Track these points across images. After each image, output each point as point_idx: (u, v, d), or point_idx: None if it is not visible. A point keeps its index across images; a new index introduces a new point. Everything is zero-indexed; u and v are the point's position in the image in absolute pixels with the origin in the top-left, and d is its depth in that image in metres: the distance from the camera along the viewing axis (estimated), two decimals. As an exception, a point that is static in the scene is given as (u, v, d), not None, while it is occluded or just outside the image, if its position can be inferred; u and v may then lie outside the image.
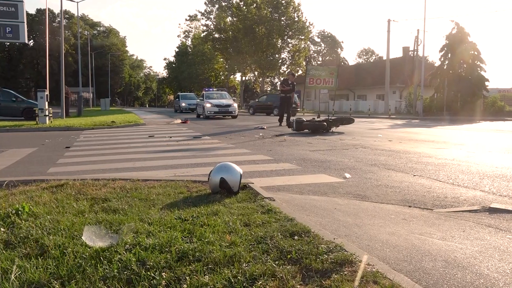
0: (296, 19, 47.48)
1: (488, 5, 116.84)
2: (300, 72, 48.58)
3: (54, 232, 2.93)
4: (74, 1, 31.08)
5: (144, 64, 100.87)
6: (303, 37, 48.91)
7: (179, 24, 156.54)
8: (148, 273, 2.29)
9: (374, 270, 2.34)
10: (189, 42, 71.52)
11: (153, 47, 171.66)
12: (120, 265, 2.39)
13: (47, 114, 16.80)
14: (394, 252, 2.88)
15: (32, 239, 2.80)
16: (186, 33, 71.22)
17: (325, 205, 4.19)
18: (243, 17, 46.07)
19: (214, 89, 29.24)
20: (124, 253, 2.53)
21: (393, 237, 3.22)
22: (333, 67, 28.39)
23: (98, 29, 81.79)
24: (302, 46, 49.99)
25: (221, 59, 58.19)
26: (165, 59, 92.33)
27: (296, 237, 2.83)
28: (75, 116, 24.27)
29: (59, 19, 58.55)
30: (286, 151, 8.41)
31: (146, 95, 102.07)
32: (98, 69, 62.77)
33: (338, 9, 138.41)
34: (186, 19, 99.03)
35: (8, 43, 60.01)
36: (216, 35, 51.78)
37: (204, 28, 55.08)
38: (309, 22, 56.62)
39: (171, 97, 76.24)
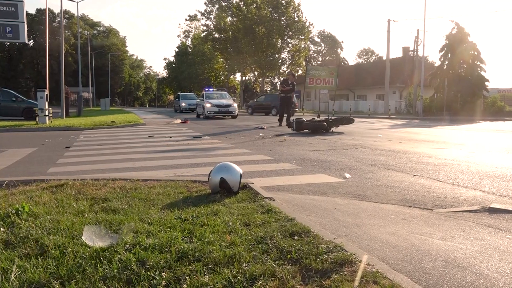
0: (296, 19, 47.50)
1: (488, 5, 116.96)
2: (300, 72, 48.57)
3: (54, 232, 2.93)
4: (74, 1, 31.11)
5: (144, 64, 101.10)
6: (303, 37, 48.93)
7: (179, 24, 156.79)
8: (148, 273, 2.29)
9: (374, 270, 2.34)
10: (189, 42, 71.55)
11: (153, 47, 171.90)
12: (120, 265, 2.39)
13: (47, 114, 16.81)
14: (394, 252, 2.88)
15: (32, 239, 2.80)
16: (186, 33, 71.29)
17: (325, 205, 4.19)
18: (243, 17, 46.08)
19: (214, 89, 29.24)
20: (124, 253, 2.53)
21: (393, 237, 3.22)
22: (333, 67, 28.37)
23: (98, 29, 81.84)
24: (302, 46, 50.01)
25: (221, 59, 58.20)
26: (165, 59, 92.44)
27: (296, 237, 2.83)
28: (75, 116, 24.27)
29: (59, 19, 58.58)
30: (286, 151, 8.41)
31: (146, 95, 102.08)
32: (98, 69, 62.78)
33: (338, 9, 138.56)
34: (186, 19, 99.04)
35: (8, 43, 60.02)
36: (216, 35, 51.81)
37: (204, 28, 55.17)
38: (309, 22, 56.71)
39: (171, 97, 76.25)
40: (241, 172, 4.26)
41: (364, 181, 5.52)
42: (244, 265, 2.39)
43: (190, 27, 70.11)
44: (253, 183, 4.63)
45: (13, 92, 22.58)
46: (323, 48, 76.80)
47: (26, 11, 17.15)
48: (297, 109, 29.13)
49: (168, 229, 2.99)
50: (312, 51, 72.24)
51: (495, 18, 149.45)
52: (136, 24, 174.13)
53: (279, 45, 48.26)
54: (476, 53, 27.93)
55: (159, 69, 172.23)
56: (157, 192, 4.18)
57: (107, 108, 41.99)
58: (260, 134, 12.59)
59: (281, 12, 46.77)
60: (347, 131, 13.28)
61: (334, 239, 2.80)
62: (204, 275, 2.26)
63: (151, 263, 2.39)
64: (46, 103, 16.95)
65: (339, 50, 76.69)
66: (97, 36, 75.83)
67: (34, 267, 2.36)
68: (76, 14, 40.87)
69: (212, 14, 52.01)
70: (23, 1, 15.05)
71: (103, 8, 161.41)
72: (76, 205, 3.69)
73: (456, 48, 27.85)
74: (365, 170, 6.27)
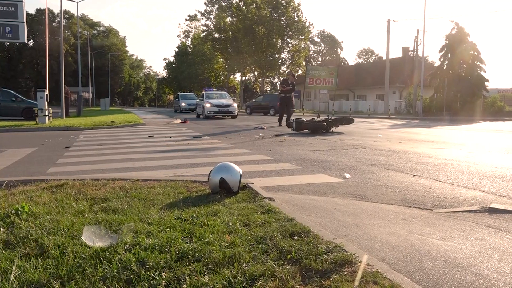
0: (296, 19, 47.50)
1: (488, 5, 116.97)
2: (300, 72, 48.58)
3: (53, 232, 2.93)
4: (74, 1, 31.14)
5: (144, 64, 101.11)
6: (303, 37, 48.93)
7: (179, 24, 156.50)
8: (148, 273, 2.29)
9: (373, 270, 2.34)
10: (189, 42, 71.52)
11: (153, 47, 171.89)
12: (119, 265, 2.39)
13: (46, 114, 16.80)
14: (394, 252, 2.87)
15: (31, 239, 2.80)
16: (186, 33, 71.25)
17: (325, 205, 4.19)
18: (243, 17, 46.09)
19: (214, 89, 29.24)
20: (123, 253, 2.53)
21: (392, 237, 3.22)
22: (333, 67, 28.40)
23: (98, 29, 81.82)
24: (302, 46, 50.01)
25: (221, 59, 58.20)
26: (165, 59, 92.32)
27: (296, 237, 2.83)
28: (75, 116, 24.27)
29: (59, 19, 58.54)
30: (286, 151, 8.41)
31: (146, 95, 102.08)
32: (97, 69, 62.78)
33: (338, 9, 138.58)
34: (186, 19, 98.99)
35: (8, 43, 59.98)
36: (216, 35, 51.82)
37: (204, 28, 55.16)
38: (309, 22, 56.71)
39: (171, 97, 76.23)
40: (241, 172, 4.26)
41: (364, 181, 5.52)
42: (244, 265, 2.39)
43: (190, 27, 70.20)
44: (253, 183, 4.63)
45: (13, 92, 22.57)
46: (323, 48, 76.88)
47: (26, 11, 17.14)
48: (294, 108, 29.11)
49: (168, 229, 2.99)
50: (312, 51, 72.33)
51: (495, 18, 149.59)
52: (136, 24, 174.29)
53: (279, 45, 48.26)
54: (476, 53, 27.94)
55: (159, 69, 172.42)
56: (157, 192, 4.18)
57: (107, 108, 41.98)
58: (260, 134, 12.59)
59: (281, 12, 46.77)
60: (347, 131, 13.28)
61: (334, 239, 2.80)
62: (204, 275, 2.26)
63: (151, 263, 2.39)
64: (46, 103, 16.95)
65: (339, 50, 76.82)
66: (97, 36, 75.81)
67: (34, 267, 2.36)
68: (76, 14, 40.93)
69: (212, 14, 52.05)
70: (23, 1, 15.05)
71: (103, 8, 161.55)
72: (76, 205, 3.69)
73: (456, 48, 27.86)
74: (365, 170, 6.27)
